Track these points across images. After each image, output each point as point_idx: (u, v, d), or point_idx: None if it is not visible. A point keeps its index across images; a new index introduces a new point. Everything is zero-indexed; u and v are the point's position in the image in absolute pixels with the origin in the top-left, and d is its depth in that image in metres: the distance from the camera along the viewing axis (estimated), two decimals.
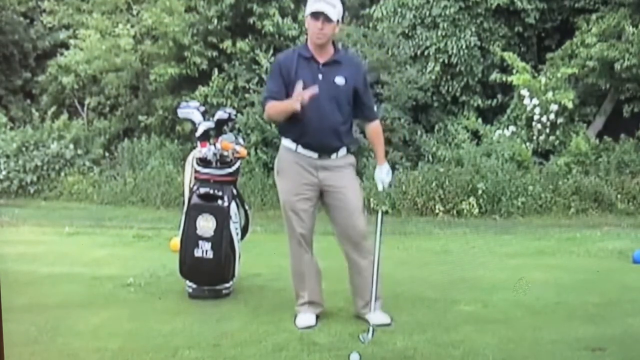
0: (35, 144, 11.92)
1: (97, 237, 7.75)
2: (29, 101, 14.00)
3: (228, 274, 4.74)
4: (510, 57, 11.47)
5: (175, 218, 6.19)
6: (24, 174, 11.74)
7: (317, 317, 4.17)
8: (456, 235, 8.08)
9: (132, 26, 12.20)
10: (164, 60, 12.04)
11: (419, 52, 11.94)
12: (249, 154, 7.75)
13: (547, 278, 5.47)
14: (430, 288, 5.02)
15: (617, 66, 10.81)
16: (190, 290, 4.76)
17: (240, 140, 5.08)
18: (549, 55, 11.95)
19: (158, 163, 11.38)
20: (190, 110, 5.08)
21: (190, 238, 4.69)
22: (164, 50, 11.92)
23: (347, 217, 4.09)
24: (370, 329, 3.89)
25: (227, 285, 4.77)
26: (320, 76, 4.01)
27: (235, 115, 5.61)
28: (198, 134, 4.90)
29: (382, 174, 4.25)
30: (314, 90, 3.84)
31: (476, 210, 9.80)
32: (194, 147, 4.98)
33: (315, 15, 3.94)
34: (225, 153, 4.78)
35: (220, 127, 4.92)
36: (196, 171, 4.81)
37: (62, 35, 13.40)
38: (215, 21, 11.87)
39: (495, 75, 11.62)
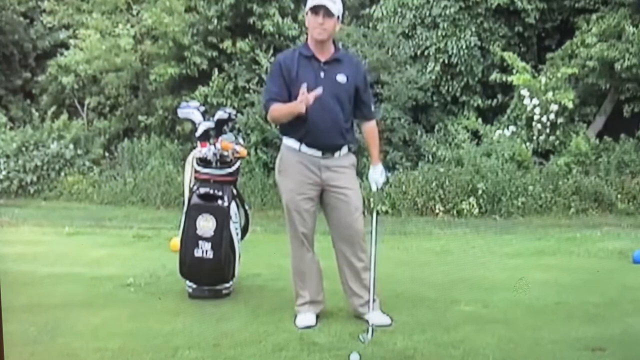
0: (35, 144, 11.91)
1: (97, 237, 7.74)
2: (29, 101, 13.99)
3: (228, 274, 4.74)
4: (510, 57, 11.47)
5: (175, 218, 6.19)
6: (24, 174, 11.74)
7: (318, 316, 4.17)
8: (456, 235, 8.07)
9: (132, 26, 12.20)
10: (164, 60, 12.03)
11: (419, 52, 11.94)
12: (249, 154, 7.76)
13: (547, 278, 5.47)
14: (430, 288, 5.01)
15: (617, 66, 10.81)
16: (190, 290, 4.76)
17: (240, 140, 5.08)
18: (549, 55, 11.95)
19: (158, 163, 11.38)
20: (190, 110, 5.08)
21: (190, 238, 4.69)
22: (164, 50, 11.92)
23: (346, 218, 4.09)
24: (370, 328, 3.89)
25: (227, 285, 4.77)
26: (322, 74, 4.01)
27: (235, 115, 5.60)
28: (198, 134, 4.90)
29: (376, 175, 4.26)
30: (318, 91, 3.84)
31: (476, 210, 9.79)
32: (194, 147, 4.97)
33: (316, 9, 3.93)
34: (225, 153, 4.78)
35: (220, 127, 4.92)
36: (196, 171, 4.81)
37: (62, 35, 13.40)
38: (215, 21, 11.87)
39: (495, 75, 11.62)
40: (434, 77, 11.77)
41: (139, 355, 3.60)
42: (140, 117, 12.51)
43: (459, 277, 5.43)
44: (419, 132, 11.55)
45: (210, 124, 4.91)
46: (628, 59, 10.69)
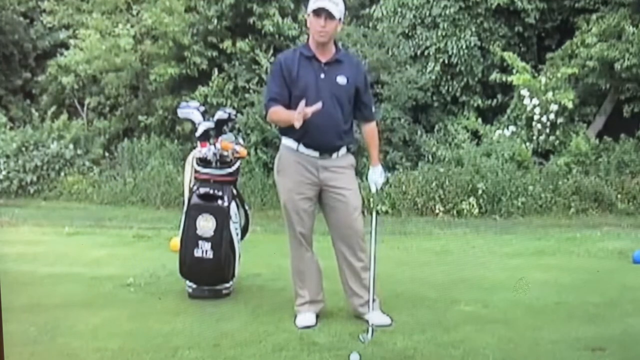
0: (35, 144, 11.90)
1: (97, 237, 7.74)
2: (29, 101, 13.97)
3: (228, 274, 4.74)
4: (510, 57, 11.47)
5: (175, 218, 6.19)
6: (24, 174, 11.73)
7: (317, 316, 4.17)
8: (456, 235, 8.07)
9: (132, 26, 12.19)
10: (164, 60, 12.03)
11: (419, 52, 11.94)
12: (249, 154, 7.76)
13: (547, 278, 5.47)
14: (430, 288, 5.01)
15: (617, 66, 10.81)
16: (190, 290, 4.76)
17: (240, 140, 5.08)
18: (549, 55, 11.95)
19: (158, 163, 11.37)
20: (190, 110, 5.08)
21: (190, 238, 4.69)
22: (164, 50, 11.91)
23: (345, 218, 4.09)
24: (370, 329, 3.89)
25: (227, 285, 4.77)
26: (322, 75, 4.01)
27: (235, 115, 5.60)
28: (198, 134, 4.90)
29: (376, 176, 4.26)
30: (317, 106, 3.83)
31: (476, 210, 9.79)
32: (194, 147, 4.97)
33: (318, 12, 3.93)
34: (225, 153, 4.78)
35: (220, 127, 4.92)
36: (196, 171, 4.81)
37: (62, 35, 13.39)
38: (215, 21, 11.87)
39: (495, 75, 11.62)
40: (434, 77, 11.77)
41: (139, 355, 3.61)
42: (140, 117, 12.51)
43: (459, 277, 5.43)
44: (419, 132, 11.54)
45: (210, 124, 4.91)
46: (628, 59, 10.69)
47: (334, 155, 4.08)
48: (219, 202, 4.71)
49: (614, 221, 9.29)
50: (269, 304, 4.58)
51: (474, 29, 11.84)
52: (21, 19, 14.14)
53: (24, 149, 11.84)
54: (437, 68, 11.76)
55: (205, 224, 4.66)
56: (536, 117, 11.00)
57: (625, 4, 11.24)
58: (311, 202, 4.11)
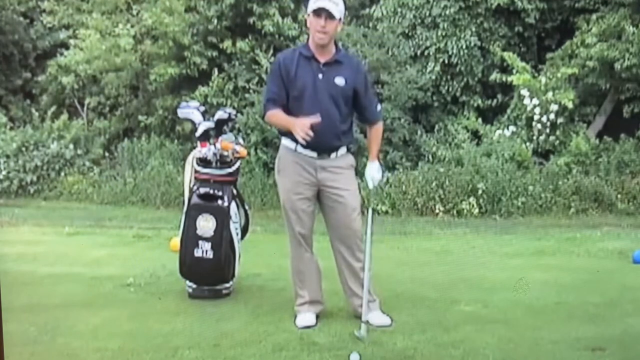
0: (35, 144, 11.91)
1: (97, 237, 7.74)
2: (29, 101, 13.98)
3: (228, 274, 4.74)
4: (510, 57, 11.47)
5: (175, 218, 6.19)
6: (24, 174, 11.74)
7: (317, 316, 4.17)
8: (456, 235, 8.07)
9: (132, 26, 12.20)
10: (164, 60, 12.04)
11: (419, 52, 11.95)
12: (249, 154, 7.77)
13: (547, 278, 5.47)
14: (430, 288, 5.01)
15: (617, 66, 10.81)
16: (190, 290, 4.76)
17: (240, 140, 5.08)
18: (549, 55, 11.95)
19: (158, 163, 11.38)
20: (190, 110, 5.08)
21: (190, 238, 4.69)
22: (164, 50, 11.92)
23: (343, 219, 4.09)
24: (363, 325, 3.88)
25: (227, 285, 4.77)
26: (320, 76, 4.01)
27: (235, 115, 5.60)
28: (198, 134, 4.90)
29: (373, 171, 4.21)
30: (316, 119, 3.84)
31: (476, 210, 9.80)
32: (194, 147, 4.97)
33: (318, 12, 3.92)
34: (225, 153, 4.78)
35: (220, 127, 4.92)
36: (196, 171, 4.81)
37: (62, 35, 13.40)
38: (215, 21, 11.87)
39: (495, 75, 11.62)
40: (434, 77, 11.77)
41: (139, 355, 3.61)
42: (140, 117, 12.51)
43: (459, 277, 5.43)
44: (419, 132, 11.55)
45: (210, 124, 4.91)
46: (628, 59, 10.69)
47: (333, 155, 4.08)
48: (219, 202, 4.71)
49: (614, 221, 9.29)
50: (269, 304, 4.58)
51: (474, 29, 11.84)
52: (21, 19, 14.15)
53: (24, 149, 11.85)
54: (437, 68, 11.76)
55: (205, 224, 4.66)
56: (536, 117, 11.00)
57: (625, 4, 11.24)
58: (310, 202, 4.11)
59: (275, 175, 4.26)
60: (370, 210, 4.21)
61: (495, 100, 12.02)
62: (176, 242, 5.01)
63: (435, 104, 12.02)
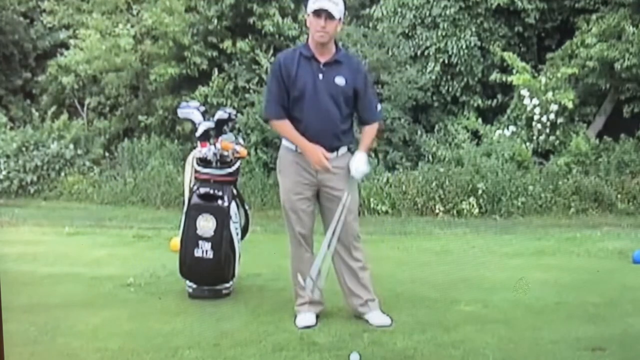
0: (35, 144, 11.91)
1: (97, 237, 7.74)
2: (29, 101, 13.99)
3: (228, 274, 4.74)
4: (510, 57, 11.47)
5: (175, 218, 6.19)
6: (24, 174, 11.74)
7: (317, 316, 4.17)
8: (456, 235, 8.07)
9: (132, 26, 12.20)
10: (164, 60, 12.03)
11: (419, 52, 11.94)
12: (249, 154, 7.76)
13: (547, 278, 5.47)
14: (430, 288, 5.01)
15: (617, 66, 10.81)
16: (190, 290, 4.76)
17: (240, 140, 5.08)
18: (549, 55, 11.95)
19: (158, 163, 11.37)
20: (190, 110, 5.08)
21: (190, 238, 4.69)
22: (164, 50, 11.92)
23: (341, 219, 4.09)
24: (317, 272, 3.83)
25: (227, 285, 4.77)
26: (320, 76, 4.01)
27: (235, 115, 5.60)
28: (198, 134, 4.90)
29: (358, 162, 4.04)
30: (328, 166, 3.92)
31: (476, 210, 9.79)
32: (194, 147, 4.97)
33: (318, 12, 3.93)
34: (225, 153, 4.78)
35: (220, 127, 4.92)
36: (196, 171, 4.81)
37: (62, 35, 13.40)
38: (215, 21, 11.87)
39: (495, 75, 11.62)
40: (434, 77, 11.77)
41: (139, 355, 3.61)
42: (140, 117, 12.51)
43: (459, 277, 5.43)
44: (419, 132, 11.55)
45: (210, 124, 4.91)
46: (628, 59, 10.69)
47: (333, 155, 4.08)
48: (219, 202, 4.71)
49: (614, 221, 9.29)
50: (269, 304, 4.58)
51: (474, 29, 11.84)
52: (21, 19, 14.15)
53: (24, 149, 11.85)
54: (437, 68, 11.76)
55: (205, 224, 4.66)
56: (536, 117, 11.00)
57: (625, 4, 11.23)
58: (309, 202, 4.11)
59: (277, 175, 4.27)
60: (345, 195, 4.04)
61: (495, 100, 12.02)
62: (176, 242, 5.01)
63: (435, 104, 12.02)
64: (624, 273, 5.75)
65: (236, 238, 4.76)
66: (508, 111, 11.58)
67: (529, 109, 11.05)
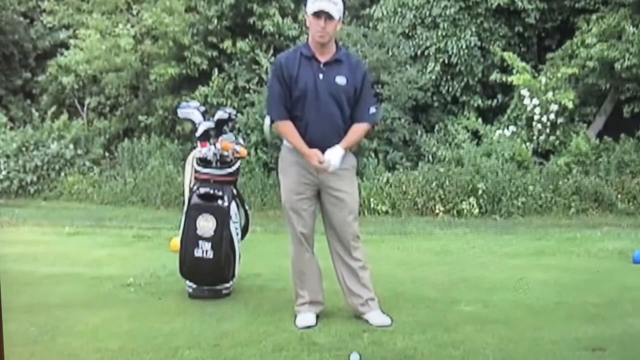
0: (35, 144, 11.91)
1: (97, 237, 7.74)
2: (29, 101, 13.99)
3: (228, 274, 4.74)
4: (510, 57, 11.47)
5: (175, 218, 6.19)
6: (24, 174, 11.74)
7: (318, 316, 4.17)
8: (456, 235, 8.07)
9: (132, 26, 12.21)
10: (164, 60, 12.03)
11: (419, 52, 11.94)
12: (249, 154, 7.76)
13: (547, 278, 5.47)
14: (430, 288, 5.01)
15: (617, 66, 10.80)
16: (190, 290, 4.76)
17: (240, 140, 5.08)
18: (549, 55, 11.95)
19: (158, 163, 11.37)
20: (190, 110, 5.08)
21: (190, 238, 4.69)
22: (164, 50, 11.92)
23: (342, 219, 4.10)
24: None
25: (227, 285, 4.77)
26: (321, 76, 4.01)
27: (236, 115, 5.60)
28: (198, 134, 4.90)
29: (333, 154, 3.95)
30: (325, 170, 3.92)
31: (476, 210, 9.79)
32: (194, 147, 4.97)
33: (317, 14, 3.93)
34: (225, 153, 4.78)
35: (220, 127, 4.92)
36: (196, 171, 4.81)
37: (62, 35, 13.41)
38: (215, 21, 11.87)
39: (495, 75, 11.61)
40: (434, 77, 11.77)
41: (139, 355, 3.60)
42: (140, 117, 12.52)
43: (459, 277, 5.43)
44: (419, 132, 11.55)
45: (210, 124, 4.91)
46: (628, 59, 10.69)
47: None
48: (219, 202, 4.71)
49: (614, 221, 9.28)
50: (269, 304, 4.58)
51: (474, 29, 11.84)
52: (21, 19, 14.15)
53: (24, 149, 11.85)
54: (437, 68, 11.75)
55: (205, 224, 4.66)
56: (536, 117, 10.99)
57: (625, 4, 11.23)
58: (310, 202, 4.11)
59: (279, 175, 4.28)
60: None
61: (495, 100, 12.02)
62: (176, 242, 5.01)
63: (436, 104, 12.02)
64: (624, 273, 5.75)
65: (236, 238, 4.76)
66: (508, 111, 11.58)
67: (529, 109, 11.05)
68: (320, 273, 4.25)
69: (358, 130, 4.10)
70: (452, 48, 11.66)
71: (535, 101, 10.97)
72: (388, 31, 11.91)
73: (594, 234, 8.03)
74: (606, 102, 11.84)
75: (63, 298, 4.84)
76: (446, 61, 11.74)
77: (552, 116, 10.97)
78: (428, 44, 11.85)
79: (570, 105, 10.79)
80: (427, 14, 11.91)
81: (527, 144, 11.01)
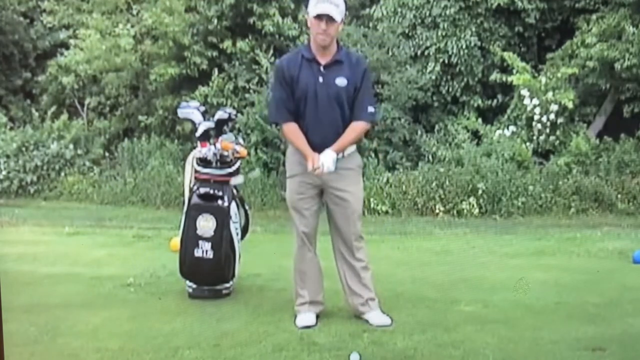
0: (35, 144, 11.92)
1: (97, 237, 7.74)
2: (29, 101, 13.99)
3: (228, 274, 4.74)
4: (510, 57, 11.47)
5: (175, 218, 6.19)
6: (24, 174, 11.74)
7: (318, 316, 4.17)
8: (456, 235, 8.07)
9: (132, 26, 12.21)
10: (164, 60, 12.04)
11: (419, 52, 11.94)
12: (249, 154, 7.76)
13: (547, 278, 5.47)
14: (430, 288, 5.01)
15: (617, 66, 10.81)
16: (190, 290, 4.76)
17: (240, 140, 5.08)
18: (549, 55, 11.95)
19: (158, 163, 11.38)
20: (190, 110, 5.08)
21: (190, 238, 4.69)
22: (164, 50, 11.92)
23: (345, 220, 4.11)
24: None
25: (227, 285, 4.77)
26: (320, 79, 4.01)
27: (236, 115, 5.60)
28: (198, 134, 4.90)
29: (324, 157, 3.92)
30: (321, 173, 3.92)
31: (476, 210, 9.80)
32: (194, 147, 4.97)
33: (319, 16, 3.93)
34: (225, 153, 4.78)
35: (220, 127, 4.92)
36: (196, 171, 4.81)
37: (62, 35, 13.41)
38: (215, 21, 11.88)
39: (495, 75, 11.62)
40: (434, 77, 11.77)
41: (139, 355, 3.60)
42: (140, 117, 12.52)
43: (459, 277, 5.43)
44: (419, 132, 11.55)
45: (210, 124, 4.91)
46: (628, 59, 10.69)
47: (339, 155, 4.07)
48: (219, 202, 4.71)
49: (614, 221, 9.29)
50: (269, 304, 4.58)
51: (474, 29, 11.84)
52: (21, 19, 14.15)
53: (24, 149, 11.85)
54: (437, 68, 11.76)
55: (205, 224, 4.66)
56: (536, 117, 11.00)
57: (625, 4, 11.24)
58: (314, 201, 4.12)
59: (285, 173, 4.29)
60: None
61: (495, 100, 12.02)
62: (176, 242, 5.01)
63: (435, 104, 12.02)
64: (624, 273, 5.75)
65: (236, 238, 4.76)
66: (508, 111, 11.58)
67: (529, 109, 11.05)
68: (321, 273, 4.25)
69: (355, 128, 4.05)
70: (452, 48, 11.66)
71: (535, 101, 10.97)
72: (388, 31, 11.91)
73: (594, 234, 8.03)
74: (606, 102, 11.85)
75: (63, 298, 4.84)
76: (446, 61, 11.74)
77: (552, 116, 10.97)
78: (428, 44, 11.85)
79: (570, 105, 10.79)
80: (427, 14, 11.92)
81: (527, 144, 11.01)
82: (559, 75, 11.11)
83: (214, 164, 4.78)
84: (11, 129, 12.46)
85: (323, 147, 3.98)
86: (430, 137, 11.46)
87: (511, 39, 12.27)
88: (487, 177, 10.02)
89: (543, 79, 11.23)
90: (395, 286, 4.95)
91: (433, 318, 4.27)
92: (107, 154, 12.43)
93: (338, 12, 3.94)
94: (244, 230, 4.96)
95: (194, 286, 4.74)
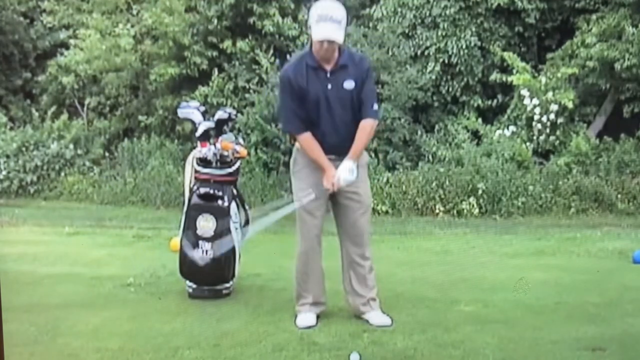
0: (35, 144, 11.92)
1: (97, 237, 7.75)
2: (29, 101, 14.00)
3: (228, 274, 4.74)
4: (510, 57, 11.47)
5: (175, 218, 6.20)
6: (24, 174, 11.74)
7: (318, 317, 4.17)
8: (456, 235, 8.07)
9: (132, 26, 12.22)
10: (164, 60, 12.04)
11: (419, 52, 11.95)
12: (249, 154, 7.77)
13: (547, 278, 5.47)
14: (430, 288, 5.02)
15: (617, 66, 10.81)
16: (190, 290, 4.76)
17: (240, 140, 5.08)
18: (549, 55, 11.95)
19: (158, 163, 11.38)
20: (191, 110, 5.08)
21: (190, 238, 4.69)
22: (164, 50, 11.93)
23: (355, 218, 4.12)
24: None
25: (227, 285, 4.77)
26: (329, 86, 4.02)
27: (236, 115, 5.61)
28: (198, 134, 4.90)
29: (344, 171, 3.96)
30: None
31: (476, 210, 9.80)
32: (194, 147, 4.98)
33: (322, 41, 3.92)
34: (225, 153, 4.78)
35: (220, 127, 4.92)
36: (196, 171, 4.81)
37: (62, 35, 13.42)
38: (215, 21, 11.88)
39: (495, 75, 11.62)
40: (434, 77, 11.78)
41: (139, 355, 3.60)
42: (140, 117, 12.53)
43: (459, 277, 5.43)
44: (419, 132, 11.55)
45: (210, 124, 4.92)
46: (628, 59, 10.69)
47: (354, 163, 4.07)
48: (219, 202, 4.71)
49: (614, 221, 9.29)
50: (269, 304, 4.58)
51: (474, 29, 11.84)
52: (21, 19, 14.16)
53: (24, 149, 11.86)
54: (437, 68, 11.76)
55: (205, 224, 4.66)
56: (536, 117, 11.00)
57: (625, 4, 11.24)
58: (320, 202, 4.11)
59: (290, 176, 4.29)
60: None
61: (495, 100, 12.02)
62: (176, 242, 5.02)
63: (436, 104, 12.03)
64: (624, 273, 5.75)
65: (236, 238, 4.76)
66: (508, 111, 11.58)
67: (529, 109, 11.05)
68: (323, 274, 4.25)
69: (365, 128, 4.06)
70: (452, 48, 11.67)
71: (535, 101, 10.98)
72: (388, 31, 11.91)
73: (594, 234, 8.03)
74: (606, 102, 11.85)
75: (63, 298, 4.84)
76: (446, 61, 11.75)
77: (552, 116, 10.97)
78: (428, 44, 11.86)
79: (570, 105, 10.80)
80: (427, 14, 11.92)
81: (527, 144, 11.02)
82: (559, 75, 11.11)
83: (214, 164, 4.78)
84: (11, 129, 12.46)
85: (340, 148, 4.00)
86: (430, 137, 11.46)
87: (511, 39, 12.27)
88: (487, 177, 10.03)
89: (543, 79, 11.23)
90: (395, 286, 4.95)
91: (433, 318, 4.27)
92: (107, 154, 12.43)
93: (340, 30, 3.93)
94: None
95: (194, 286, 4.74)
